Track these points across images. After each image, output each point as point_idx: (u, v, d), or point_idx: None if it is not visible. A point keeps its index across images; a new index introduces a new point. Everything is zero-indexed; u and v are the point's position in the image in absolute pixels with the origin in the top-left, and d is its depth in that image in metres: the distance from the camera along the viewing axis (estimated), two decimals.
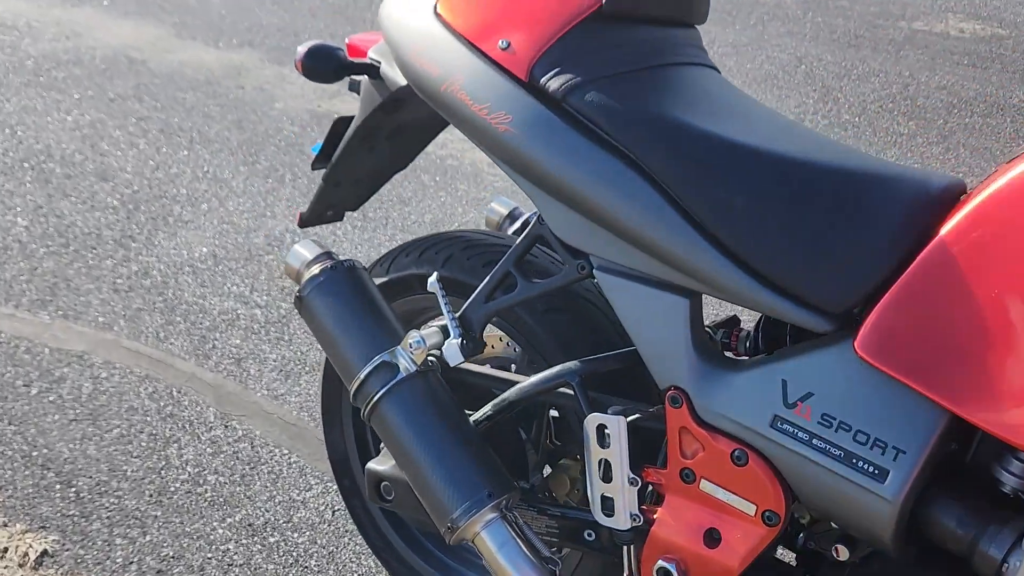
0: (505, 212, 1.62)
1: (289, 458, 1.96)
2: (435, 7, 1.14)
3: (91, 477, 1.90)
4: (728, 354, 1.11)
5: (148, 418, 2.07)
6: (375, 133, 1.41)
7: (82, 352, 2.28)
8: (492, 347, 1.49)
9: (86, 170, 3.20)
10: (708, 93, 1.09)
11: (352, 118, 1.42)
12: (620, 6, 1.04)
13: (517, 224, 1.60)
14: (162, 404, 2.11)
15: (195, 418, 2.07)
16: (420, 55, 1.12)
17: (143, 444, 1.99)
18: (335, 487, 1.86)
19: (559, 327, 1.18)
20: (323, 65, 1.22)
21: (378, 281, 1.41)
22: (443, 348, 1.14)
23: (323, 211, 1.57)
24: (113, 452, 1.97)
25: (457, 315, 1.15)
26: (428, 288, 1.16)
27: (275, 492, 1.87)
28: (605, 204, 1.00)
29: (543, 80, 1.03)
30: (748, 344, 1.12)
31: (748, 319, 1.16)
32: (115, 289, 2.54)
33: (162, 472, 1.92)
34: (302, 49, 1.22)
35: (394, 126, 1.41)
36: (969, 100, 3.75)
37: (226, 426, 2.05)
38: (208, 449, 1.98)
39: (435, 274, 1.16)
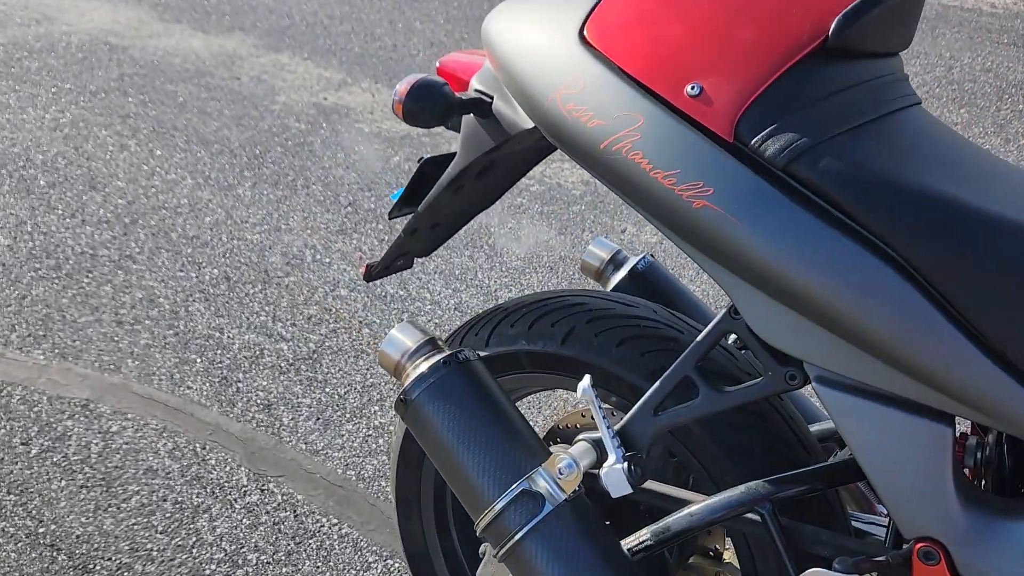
0: (607, 256, 1.37)
1: (340, 529, 1.71)
2: (582, 29, 0.87)
3: (110, 559, 1.64)
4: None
5: (171, 482, 1.80)
6: (466, 172, 1.15)
7: (87, 400, 2.01)
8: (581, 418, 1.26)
9: (72, 177, 2.88)
10: (945, 145, 0.84)
11: (442, 158, 1.15)
12: (849, 38, 0.78)
13: (623, 273, 1.35)
14: (185, 464, 1.85)
15: (225, 480, 1.81)
16: (564, 98, 0.86)
17: (168, 515, 1.73)
18: (397, 564, 1.62)
19: (740, 443, 0.93)
20: (431, 106, 0.94)
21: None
22: (602, 474, 0.89)
23: (394, 261, 1.30)
24: (134, 526, 1.71)
25: (617, 429, 0.91)
26: (579, 394, 0.91)
27: (327, 572, 1.63)
28: (842, 304, 0.75)
29: (755, 140, 0.77)
30: (984, 465, 0.88)
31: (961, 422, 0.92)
32: (118, 321, 2.25)
33: (193, 551, 1.66)
34: (403, 88, 0.94)
35: (488, 162, 1.15)
36: (1019, 84, 3.53)
37: (262, 490, 1.79)
38: (244, 520, 1.72)
39: (587, 378, 0.91)
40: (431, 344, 0.99)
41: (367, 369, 2.10)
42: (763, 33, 0.79)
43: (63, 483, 1.80)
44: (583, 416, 1.37)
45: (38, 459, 1.85)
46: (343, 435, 1.92)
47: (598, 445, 0.91)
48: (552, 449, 1.01)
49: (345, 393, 2.03)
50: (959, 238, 0.73)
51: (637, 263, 1.34)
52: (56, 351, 2.15)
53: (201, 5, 4.44)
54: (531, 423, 1.63)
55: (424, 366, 0.96)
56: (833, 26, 0.77)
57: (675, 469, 1.14)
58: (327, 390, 2.04)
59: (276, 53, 3.86)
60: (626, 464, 0.88)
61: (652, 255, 1.36)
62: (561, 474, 0.88)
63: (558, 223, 2.71)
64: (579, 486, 0.91)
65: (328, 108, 3.39)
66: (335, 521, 1.72)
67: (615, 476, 0.88)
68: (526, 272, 2.46)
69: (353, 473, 1.83)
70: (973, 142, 0.91)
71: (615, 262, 1.36)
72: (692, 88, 0.79)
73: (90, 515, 1.73)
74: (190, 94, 3.45)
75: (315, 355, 2.14)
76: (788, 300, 0.78)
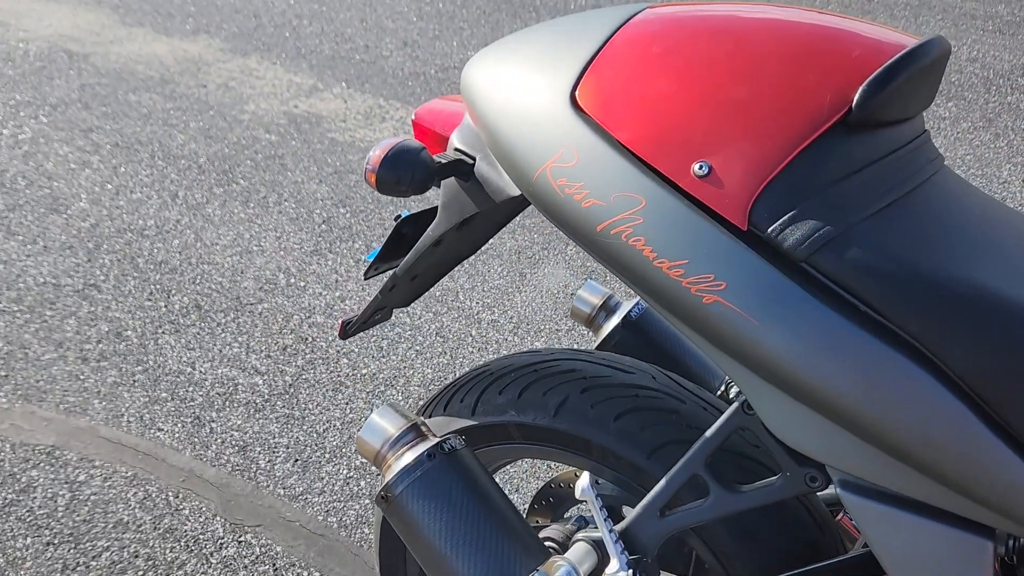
0: (598, 302, 1.29)
1: None
2: (573, 92, 0.78)
3: None
4: None
5: (142, 535, 1.71)
6: (448, 229, 1.06)
7: (52, 447, 1.90)
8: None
9: (33, 199, 2.76)
10: (975, 216, 0.77)
11: (420, 215, 1.06)
12: (875, 108, 0.70)
13: (616, 320, 1.27)
14: (158, 515, 1.75)
15: (200, 532, 1.72)
16: (556, 171, 0.77)
17: (140, 573, 1.64)
18: None
19: (757, 536, 0.86)
20: (408, 176, 0.85)
21: (463, 424, 1.08)
22: None
23: (371, 316, 1.22)
24: None
25: (620, 530, 0.83)
26: (578, 494, 0.83)
27: None
28: (871, 409, 0.68)
29: (772, 228, 0.69)
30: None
31: None
32: (83, 358, 2.14)
33: None
34: (376, 155, 0.84)
35: (469, 216, 1.06)
36: (1006, 73, 3.47)
37: (239, 541, 1.70)
38: None
39: (585, 476, 0.83)
40: (414, 431, 0.91)
41: (346, 404, 2.01)
42: (778, 105, 0.70)
43: (28, 540, 1.70)
44: (577, 475, 1.29)
45: (2, 514, 1.75)
46: (323, 478, 1.83)
47: (599, 547, 0.84)
48: (548, 545, 0.93)
49: (324, 431, 1.94)
50: (999, 338, 0.66)
51: (631, 310, 1.26)
52: (19, 393, 2.04)
53: (164, 6, 4.29)
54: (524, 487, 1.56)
55: (408, 457, 0.88)
56: (857, 96, 0.69)
57: (687, 559, 1.06)
58: (305, 428, 1.95)
59: (243, 57, 3.73)
60: (631, 571, 0.80)
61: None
62: None
63: (540, 237, 2.63)
64: None
65: (299, 117, 3.27)
66: (317, 574, 1.64)
67: None
68: (509, 292, 2.37)
69: (335, 520, 1.74)
70: (998, 201, 0.83)
71: (607, 308, 1.28)
72: (700, 167, 0.71)
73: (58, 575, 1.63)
74: (155, 105, 3.32)
75: (291, 389, 2.05)
76: (810, 402, 0.71)
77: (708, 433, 0.80)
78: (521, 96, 0.82)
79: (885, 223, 0.70)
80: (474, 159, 0.91)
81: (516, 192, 0.87)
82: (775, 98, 0.71)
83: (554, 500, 1.30)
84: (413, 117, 1.01)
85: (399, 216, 1.08)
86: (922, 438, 0.67)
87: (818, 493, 0.99)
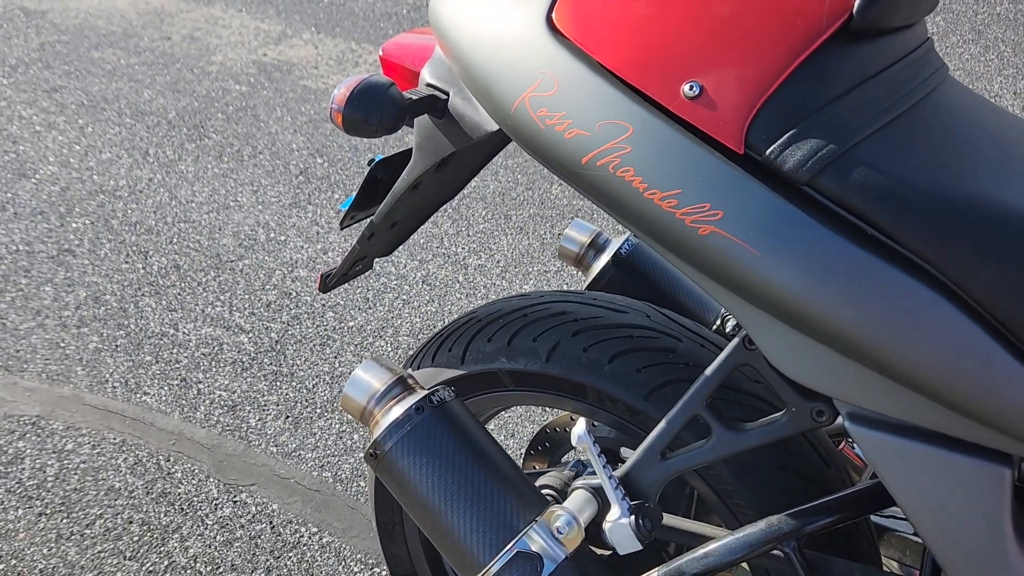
0: (586, 240, 1.24)
1: (320, 538, 1.61)
2: (549, 14, 0.72)
3: None
4: None
5: (135, 501, 1.68)
6: (423, 173, 1.01)
7: (37, 417, 1.87)
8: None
9: None
10: (985, 128, 0.72)
11: (394, 158, 1.01)
12: (876, 14, 0.64)
13: (606, 258, 1.22)
14: (149, 480, 1.72)
15: (194, 494, 1.69)
16: (535, 101, 0.71)
17: (135, 538, 1.62)
18: (383, 573, 1.53)
19: (760, 474, 0.83)
20: (377, 114, 0.79)
21: (452, 374, 1.04)
22: (607, 528, 0.78)
23: (351, 268, 1.17)
24: (100, 554, 1.59)
25: (620, 475, 0.79)
26: (574, 442, 0.80)
27: None
28: (885, 339, 0.64)
29: (771, 150, 0.64)
30: None
31: None
32: (62, 324, 2.09)
33: None
34: (341, 93, 0.78)
35: (446, 156, 1.00)
36: None
37: (234, 501, 1.68)
38: (218, 537, 1.61)
39: (581, 423, 0.79)
40: (401, 384, 0.87)
41: (334, 357, 1.97)
42: (773, 15, 0.65)
43: (20, 512, 1.67)
44: (573, 419, 1.26)
45: None
46: (315, 433, 1.80)
47: (599, 494, 0.81)
48: (546, 493, 0.90)
49: (313, 386, 1.91)
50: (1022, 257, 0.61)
51: (620, 247, 1.22)
52: None
53: None
54: (520, 429, 1.53)
55: (396, 412, 0.84)
56: (858, 1, 0.64)
57: (688, 498, 1.04)
58: (294, 384, 1.91)
59: (207, 6, 3.59)
60: (633, 518, 0.77)
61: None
62: (560, 532, 0.78)
63: (524, 177, 2.56)
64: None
65: (269, 65, 3.16)
66: (315, 530, 1.62)
67: (621, 532, 0.77)
68: (495, 235, 2.32)
69: (329, 475, 1.72)
70: (1006, 111, 0.79)
71: (596, 246, 1.24)
72: (690, 88, 0.65)
73: (52, 545, 1.61)
74: (118, 60, 3.20)
75: (278, 346, 2.01)
76: (816, 334, 0.67)
77: (707, 372, 0.76)
78: (493, 22, 0.76)
79: (892, 139, 0.65)
80: (448, 94, 0.85)
81: (494, 127, 0.82)
82: (769, 7, 0.65)
83: (550, 445, 1.27)
84: (380, 53, 0.95)
85: (372, 160, 1.02)
86: (939, 365, 0.63)
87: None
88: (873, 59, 0.67)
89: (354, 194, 1.02)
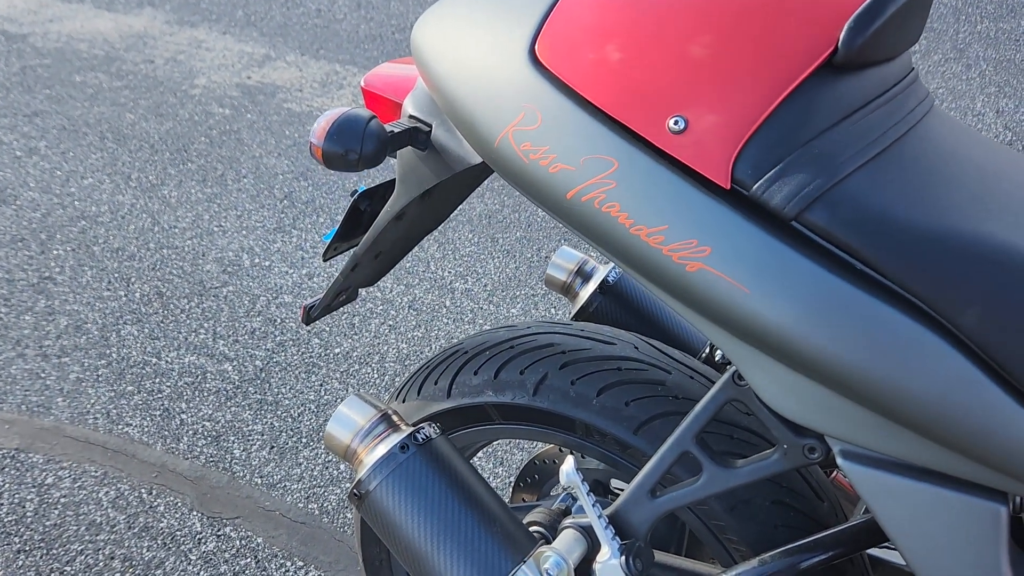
0: (573, 268, 1.23)
1: (306, 572, 1.58)
2: (532, 45, 0.71)
3: None
4: None
5: (117, 536, 1.65)
6: (407, 204, 0.99)
7: (16, 450, 1.83)
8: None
9: None
10: (973, 160, 0.71)
11: (377, 190, 0.99)
12: (862, 47, 0.64)
13: (593, 285, 1.21)
14: (132, 514, 1.69)
15: (177, 528, 1.66)
16: (519, 135, 0.70)
17: (118, 575, 1.58)
18: None
19: (753, 510, 0.81)
20: (357, 148, 0.78)
21: (438, 408, 1.02)
22: (597, 570, 0.76)
23: (335, 299, 1.15)
24: None
25: (610, 513, 0.78)
26: (563, 481, 0.78)
27: None
28: (876, 376, 0.62)
29: (758, 185, 0.63)
30: None
31: None
32: (43, 354, 2.06)
33: None
34: (320, 127, 0.77)
35: (429, 187, 0.99)
36: (975, 1, 3.41)
37: (218, 535, 1.64)
38: (202, 572, 1.58)
39: (569, 460, 0.78)
40: (385, 421, 0.85)
41: (320, 385, 1.94)
42: (758, 49, 0.64)
43: None
44: (562, 449, 1.25)
45: None
46: (301, 463, 1.77)
47: (588, 533, 0.79)
48: (535, 531, 0.88)
49: (299, 415, 1.88)
50: (1014, 294, 0.60)
51: (608, 275, 1.20)
52: None
53: None
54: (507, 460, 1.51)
55: (380, 451, 0.82)
56: (843, 35, 0.63)
57: (680, 532, 1.02)
58: (279, 413, 1.89)
59: (191, 28, 3.58)
60: (624, 558, 0.75)
61: None
62: (549, 573, 0.76)
63: (510, 199, 2.55)
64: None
65: (253, 88, 3.15)
66: (301, 564, 1.59)
67: (612, 572, 0.75)
68: (482, 258, 2.30)
69: (316, 506, 1.69)
70: (992, 140, 0.78)
71: (583, 274, 1.23)
72: (675, 122, 0.64)
73: None
74: (101, 84, 3.18)
75: (263, 374, 1.98)
76: (808, 371, 0.65)
77: (697, 408, 0.75)
78: (476, 54, 0.75)
79: (879, 173, 0.64)
80: (430, 126, 0.84)
81: (477, 160, 0.81)
82: (754, 41, 0.64)
83: (539, 477, 1.25)
84: (362, 84, 0.94)
85: (356, 191, 1.01)
86: (931, 403, 0.62)
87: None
88: (859, 92, 0.66)
89: (337, 225, 1.00)
